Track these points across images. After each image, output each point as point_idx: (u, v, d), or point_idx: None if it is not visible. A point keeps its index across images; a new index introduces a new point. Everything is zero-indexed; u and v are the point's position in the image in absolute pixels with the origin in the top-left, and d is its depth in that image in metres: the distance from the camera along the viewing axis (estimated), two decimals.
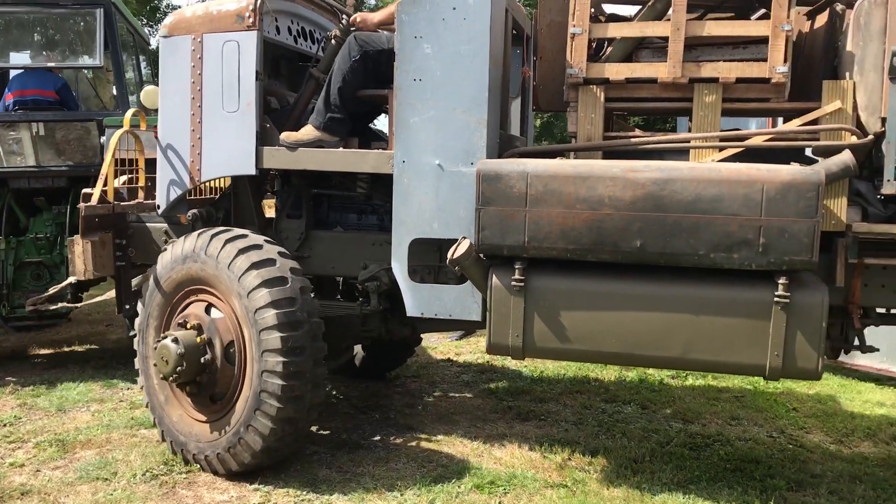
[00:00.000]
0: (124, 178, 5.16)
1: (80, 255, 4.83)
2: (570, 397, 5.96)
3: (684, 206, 3.45)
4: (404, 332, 4.93)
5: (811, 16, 4.48)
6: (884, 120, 3.69)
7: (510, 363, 6.85)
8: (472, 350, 7.42)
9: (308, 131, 4.36)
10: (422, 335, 6.18)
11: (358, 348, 6.19)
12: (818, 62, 4.26)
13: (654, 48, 4.09)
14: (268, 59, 5.12)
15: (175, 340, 4.03)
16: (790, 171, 3.41)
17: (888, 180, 3.67)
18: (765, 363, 3.51)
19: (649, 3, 4.05)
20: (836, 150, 3.74)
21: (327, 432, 5.01)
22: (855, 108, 3.80)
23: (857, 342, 4.14)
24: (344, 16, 4.93)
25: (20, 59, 7.53)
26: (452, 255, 3.77)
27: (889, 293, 3.93)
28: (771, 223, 3.38)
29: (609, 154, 4.06)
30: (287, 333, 3.94)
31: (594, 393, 6.08)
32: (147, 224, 5.05)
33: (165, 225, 4.99)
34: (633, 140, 4.03)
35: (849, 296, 3.93)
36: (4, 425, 5.09)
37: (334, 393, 5.89)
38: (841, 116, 3.80)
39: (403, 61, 4.02)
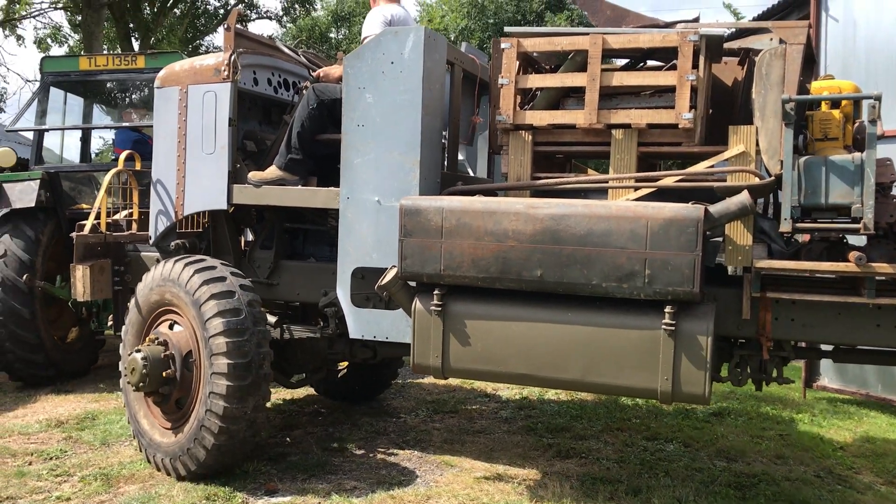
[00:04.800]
0: (125, 212, 5.76)
1: (81, 279, 5.42)
2: (611, 434, 5.97)
3: (578, 239, 3.77)
4: (367, 353, 5.31)
5: (741, 64, 4.78)
6: (782, 163, 3.95)
7: (547, 399, 6.96)
8: (510, 385, 7.36)
9: (272, 171, 4.87)
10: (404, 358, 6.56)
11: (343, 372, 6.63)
12: (739, 108, 4.55)
13: (580, 96, 4.46)
14: (257, 107, 5.70)
15: (141, 353, 4.53)
16: (672, 208, 3.70)
17: (785, 219, 3.91)
18: (656, 387, 3.76)
19: (570, 56, 4.42)
20: (739, 191, 4.01)
21: (367, 468, 5.15)
22: (758, 151, 4.07)
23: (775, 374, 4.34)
24: (312, 70, 5.45)
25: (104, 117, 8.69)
26: (381, 282, 4.17)
27: (798, 326, 4.12)
28: (655, 256, 3.67)
29: (538, 193, 4.42)
30: (232, 339, 4.42)
31: (635, 430, 6.10)
32: (141, 253, 5.61)
33: (157, 254, 5.54)
34: (557, 181, 4.38)
35: (759, 329, 4.15)
36: (51, 458, 5.32)
37: (373, 428, 6.07)
38: (744, 159, 4.07)
39: (349, 109, 4.50)
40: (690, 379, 3.71)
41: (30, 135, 8.44)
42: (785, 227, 3.90)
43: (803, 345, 4.45)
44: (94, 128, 9.19)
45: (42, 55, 7.96)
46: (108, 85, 8.62)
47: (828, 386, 7.52)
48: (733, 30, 4.62)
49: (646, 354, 3.76)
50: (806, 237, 4.23)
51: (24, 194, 7.21)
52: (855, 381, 7.24)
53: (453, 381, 7.35)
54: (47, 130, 8.11)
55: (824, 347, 4.69)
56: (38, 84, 8.26)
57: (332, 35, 25.24)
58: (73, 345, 7.78)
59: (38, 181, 7.26)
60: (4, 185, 7.30)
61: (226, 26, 5.00)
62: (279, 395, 6.83)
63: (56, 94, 8.19)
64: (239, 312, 4.50)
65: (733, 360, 4.37)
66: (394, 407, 6.72)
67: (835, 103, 4.09)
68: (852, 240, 4.15)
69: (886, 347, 4.24)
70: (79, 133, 8.78)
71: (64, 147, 9.47)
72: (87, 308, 7.00)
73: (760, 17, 11.49)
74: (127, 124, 8.20)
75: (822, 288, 4.15)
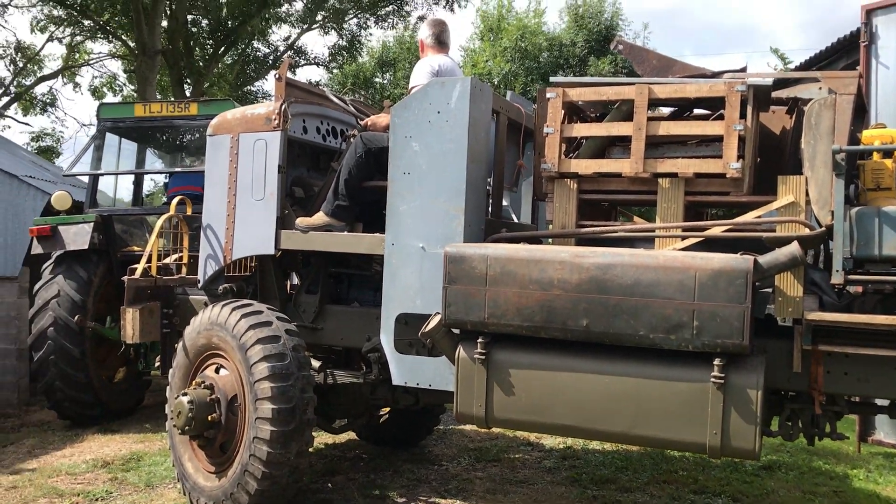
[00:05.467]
0: (175, 255, 5.88)
1: (130, 321, 5.53)
2: (657, 487, 5.84)
3: (625, 289, 3.74)
4: (409, 400, 5.29)
5: (789, 113, 4.74)
6: (833, 213, 3.89)
7: (592, 449, 6.86)
8: (555, 437, 7.28)
9: (319, 217, 4.94)
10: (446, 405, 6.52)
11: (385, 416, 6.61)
12: (788, 157, 4.51)
13: (625, 145, 4.46)
14: (306, 154, 5.81)
15: (187, 397, 4.58)
16: (721, 258, 3.66)
17: (836, 271, 3.83)
18: (705, 441, 3.68)
19: (616, 105, 4.44)
20: (788, 242, 3.95)
21: None
22: (808, 201, 4.01)
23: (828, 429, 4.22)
24: (360, 119, 5.55)
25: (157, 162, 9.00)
26: (425, 329, 4.18)
27: (853, 381, 4.01)
28: (704, 307, 3.62)
29: (584, 241, 4.41)
30: (277, 384, 4.46)
31: (682, 483, 5.95)
32: (190, 296, 5.71)
33: (205, 297, 5.63)
34: (602, 229, 4.37)
35: (810, 383, 4.05)
36: (97, 499, 5.40)
37: (415, 475, 6.04)
38: (793, 209, 4.02)
39: (395, 157, 4.56)
40: (740, 433, 3.63)
41: (85, 178, 8.72)
42: (836, 278, 3.83)
43: (859, 399, 4.32)
44: (147, 172, 9.50)
45: (99, 102, 8.32)
46: (162, 131, 8.91)
47: (884, 440, 7.25)
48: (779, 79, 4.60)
49: (694, 407, 3.69)
50: (859, 289, 4.14)
51: (78, 237, 7.42)
52: None
53: (496, 429, 7.26)
54: (102, 175, 8.35)
55: (880, 402, 4.54)
56: (93, 129, 8.55)
57: (377, 80, 25.70)
58: (120, 385, 7.92)
59: (92, 224, 7.47)
60: (60, 227, 7.53)
61: (277, 76, 5.13)
62: (321, 439, 6.83)
63: (111, 139, 8.48)
64: (284, 357, 4.54)
65: (784, 414, 4.26)
66: (435, 454, 6.66)
67: (887, 153, 4.03)
68: None
69: None
70: (132, 177, 9.06)
71: (117, 190, 9.81)
72: (135, 349, 7.13)
73: (808, 63, 11.40)
74: (179, 169, 8.43)
75: (877, 341, 4.03)
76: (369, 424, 6.56)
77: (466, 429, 7.47)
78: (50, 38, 21.91)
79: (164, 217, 5.44)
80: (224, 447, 4.74)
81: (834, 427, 4.22)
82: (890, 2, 6.71)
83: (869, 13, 6.78)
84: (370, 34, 22.70)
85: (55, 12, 19.66)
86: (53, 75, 22.96)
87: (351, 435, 6.95)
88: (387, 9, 21.59)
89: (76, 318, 7.18)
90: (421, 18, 22.27)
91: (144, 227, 7.98)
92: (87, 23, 19.80)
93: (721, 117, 4.18)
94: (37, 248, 7.64)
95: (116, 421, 7.74)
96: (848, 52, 10.00)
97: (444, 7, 21.94)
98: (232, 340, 4.65)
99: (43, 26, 20.76)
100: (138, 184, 9.36)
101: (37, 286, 7.55)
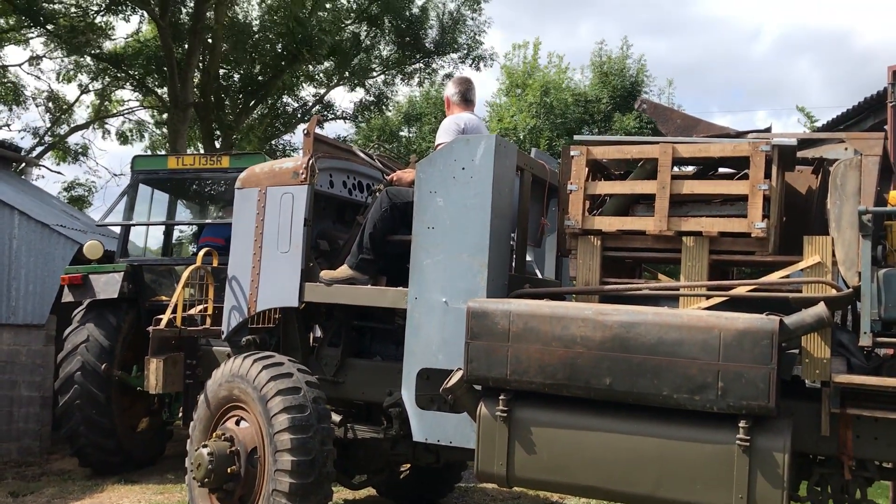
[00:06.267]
0: (200, 307, 5.93)
1: (154, 371, 5.56)
2: None
3: (648, 348, 3.71)
4: (429, 457, 5.24)
5: (815, 173, 4.74)
6: (860, 274, 3.85)
7: None
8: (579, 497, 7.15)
9: (343, 270, 4.98)
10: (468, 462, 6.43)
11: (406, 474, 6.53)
12: (814, 217, 4.49)
13: (649, 203, 4.47)
14: (332, 208, 5.88)
15: (207, 449, 4.57)
16: (746, 318, 3.62)
17: (864, 332, 3.78)
18: None
19: (640, 164, 4.47)
20: (815, 302, 3.91)
21: None
22: (835, 262, 3.98)
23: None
24: (386, 174, 5.62)
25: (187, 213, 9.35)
26: (446, 384, 4.16)
27: (883, 446, 3.92)
28: (728, 368, 3.57)
29: (608, 298, 4.39)
30: (297, 436, 4.45)
31: None
32: (213, 347, 5.74)
33: (228, 349, 5.65)
34: (626, 287, 4.35)
35: (839, 447, 3.96)
36: None
37: None
38: (820, 270, 3.98)
39: (420, 212, 4.60)
40: (766, 498, 3.55)
41: (117, 228, 8.92)
42: (865, 340, 3.77)
43: (890, 465, 4.20)
44: (178, 224, 9.71)
45: (134, 154, 8.63)
46: (194, 183, 9.10)
47: None
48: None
49: (719, 470, 3.62)
50: (889, 351, 4.07)
51: (108, 285, 7.56)
52: None
53: (517, 488, 7.15)
54: (134, 225, 8.52)
55: None
56: (123, 179, 8.78)
57: (402, 134, 26.06)
58: (144, 434, 7.93)
59: (122, 273, 7.60)
60: (91, 276, 7.66)
61: (305, 132, 5.23)
62: (340, 495, 6.75)
63: (144, 190, 8.67)
64: (304, 409, 4.53)
65: (813, 479, 4.16)
66: None
67: None
68: None
69: None
70: (163, 227, 9.24)
71: (147, 240, 9.99)
72: (160, 399, 7.17)
73: (835, 122, 11.43)
74: (210, 221, 8.57)
75: None
76: (389, 481, 6.49)
77: (488, 487, 7.34)
78: (83, 90, 22.51)
79: (190, 268, 5.52)
80: (243, 500, 4.71)
81: (864, 494, 4.10)
82: None
83: (895, 73, 6.82)
84: (396, 90, 23.09)
85: (85, 60, 20.21)
86: (86, 125, 23.57)
87: (371, 491, 6.87)
88: (414, 66, 21.98)
89: (104, 365, 7.26)
90: (448, 76, 22.68)
91: (173, 277, 8.08)
92: (120, 75, 20.37)
93: (746, 177, 4.19)
94: (68, 297, 7.77)
95: (137, 471, 7.73)
96: (875, 112, 10.02)
97: (471, 66, 22.31)
98: (252, 392, 4.65)
99: (71, 76, 21.35)
100: (168, 234, 9.53)
101: (67, 331, 7.67)
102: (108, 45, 19.89)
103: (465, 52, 21.78)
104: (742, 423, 3.57)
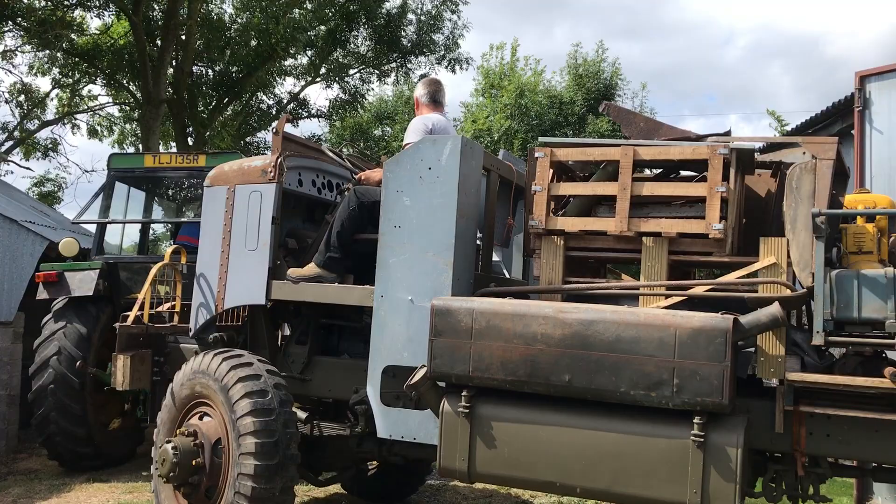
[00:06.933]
0: (168, 304, 5.94)
1: (121, 368, 5.56)
2: None
3: (607, 345, 3.79)
4: (396, 453, 5.27)
5: (774, 176, 4.85)
6: (814, 275, 3.96)
7: None
8: (549, 494, 7.15)
9: (310, 268, 5.01)
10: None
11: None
12: (772, 219, 4.60)
13: (611, 204, 4.55)
14: (302, 206, 5.91)
15: (171, 444, 4.59)
16: (701, 317, 3.72)
17: (817, 332, 3.89)
18: (685, 501, 3.69)
19: (602, 166, 4.55)
20: (770, 302, 4.01)
21: None
22: (790, 263, 4.09)
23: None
24: (355, 173, 5.66)
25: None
26: (410, 381, 4.22)
27: (835, 443, 4.03)
28: (684, 365, 3.67)
29: (572, 297, 4.47)
30: (259, 419, 4.53)
31: None
32: (181, 345, 5.74)
33: (196, 346, 5.66)
34: (587, 286, 4.43)
35: (793, 443, 4.07)
36: None
37: None
38: (775, 271, 4.09)
39: (387, 211, 4.65)
40: (720, 493, 3.64)
41: (90, 226, 8.93)
42: (817, 340, 3.88)
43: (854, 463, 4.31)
44: (153, 222, 9.72)
45: (109, 153, 8.69)
46: (171, 181, 9.11)
47: None
48: (764, 144, 4.72)
49: (675, 466, 3.71)
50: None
51: (83, 283, 7.57)
52: None
53: (490, 486, 7.21)
54: (110, 223, 8.53)
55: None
56: (93, 174, 8.78)
57: (376, 132, 26.08)
58: (117, 432, 7.89)
59: (98, 271, 7.61)
60: (66, 273, 7.66)
61: (274, 130, 5.26)
62: (309, 493, 6.79)
63: (120, 188, 8.71)
64: (265, 393, 4.62)
65: (768, 475, 4.26)
66: None
67: (870, 217, 4.12)
68: (892, 354, 4.09)
69: None
70: (139, 225, 9.25)
71: (124, 238, 9.98)
72: (134, 396, 7.15)
73: (804, 126, 11.60)
74: (185, 220, 8.58)
75: (858, 403, 4.07)
76: (357, 478, 6.53)
77: (460, 486, 7.39)
78: (55, 84, 22.24)
79: (157, 265, 5.53)
80: (209, 492, 4.73)
81: (817, 489, 4.22)
82: (883, 69, 6.89)
83: (863, 79, 6.95)
84: (372, 88, 23.14)
85: (56, 55, 20.02)
86: (56, 120, 23.31)
87: (339, 489, 6.90)
88: (391, 65, 22.01)
89: (78, 363, 7.24)
90: (423, 76, 22.73)
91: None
92: (91, 70, 20.18)
93: (704, 179, 4.29)
94: (43, 294, 7.77)
95: (107, 470, 7.68)
96: (843, 117, 10.19)
97: (447, 68, 22.39)
98: (214, 384, 4.71)
99: (46, 69, 21.13)
100: (144, 232, 9.55)
101: (44, 321, 7.67)
102: (79, 41, 19.69)
103: (442, 53, 21.85)
104: (697, 420, 3.66)
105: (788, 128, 17.01)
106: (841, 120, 10.38)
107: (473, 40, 69.48)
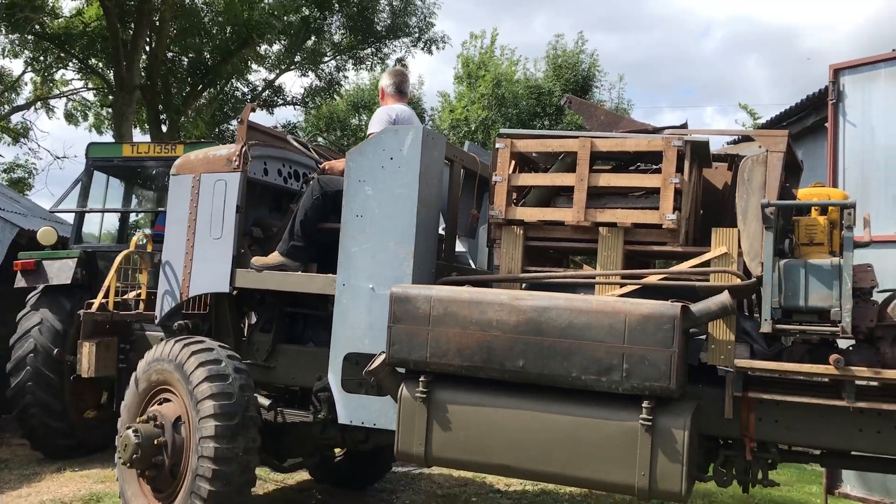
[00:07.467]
0: (135, 292, 5.96)
1: (87, 355, 5.59)
2: None
3: (559, 331, 3.88)
4: (358, 440, 5.35)
5: (730, 169, 4.96)
6: (763, 265, 4.07)
7: (562, 493, 6.83)
8: (523, 482, 7.22)
9: (274, 257, 5.06)
10: None
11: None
12: (729, 211, 4.70)
13: (570, 195, 4.64)
14: (268, 196, 5.95)
15: (132, 429, 4.64)
16: (650, 304, 3.82)
17: (765, 320, 4.00)
18: (634, 483, 3.80)
19: (561, 157, 4.63)
20: (720, 291, 4.12)
21: None
22: (741, 253, 4.19)
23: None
24: (320, 162, 5.71)
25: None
26: (369, 367, 4.29)
27: (783, 429, 4.15)
28: (633, 351, 3.76)
29: (535, 287, 4.54)
30: (216, 383, 4.64)
31: None
32: (147, 332, 5.77)
33: (162, 333, 5.69)
34: (544, 275, 4.52)
35: (742, 429, 4.19)
36: None
37: None
38: (726, 260, 4.20)
39: (349, 200, 4.71)
40: (667, 475, 3.75)
41: (63, 214, 8.97)
42: (765, 327, 3.98)
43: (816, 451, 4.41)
44: (131, 211, 9.78)
45: (87, 142, 8.79)
46: (149, 171, 9.14)
47: (850, 493, 7.18)
48: (735, 138, 4.82)
49: (624, 449, 3.81)
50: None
51: (61, 271, 7.60)
52: (879, 490, 6.92)
53: (464, 475, 7.29)
54: (87, 212, 8.59)
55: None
56: (65, 161, 8.80)
57: (353, 122, 26.04)
58: (94, 420, 7.90)
59: (76, 260, 7.64)
60: (44, 261, 7.70)
61: (239, 120, 5.29)
62: (284, 481, 6.82)
63: (98, 177, 8.76)
64: (219, 361, 4.76)
65: (719, 460, 4.38)
66: (404, 501, 6.64)
67: (823, 210, 4.23)
68: (844, 343, 4.20)
69: (870, 453, 4.25)
70: (118, 214, 9.30)
71: (102, 227, 10.00)
72: (110, 387, 7.18)
73: (778, 119, 11.76)
74: (162, 209, 8.59)
75: (807, 390, 4.20)
76: (323, 465, 6.60)
77: (435, 475, 7.47)
78: (27, 68, 22.00)
79: (122, 253, 5.55)
80: (174, 472, 4.77)
81: (766, 474, 4.33)
82: (857, 62, 6.98)
83: (837, 72, 7.02)
84: (346, 76, 23.07)
85: (27, 38, 19.81)
86: (27, 105, 23.04)
87: (307, 476, 6.96)
88: (365, 51, 21.96)
89: (56, 350, 7.26)
90: (399, 60, 22.68)
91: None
92: (63, 55, 19.97)
93: (660, 171, 4.38)
94: (20, 282, 7.78)
95: (79, 459, 7.66)
96: (817, 110, 10.33)
97: (423, 50, 22.36)
98: (169, 365, 4.82)
99: (18, 51, 20.86)
100: (123, 221, 9.58)
101: (19, 315, 7.68)
102: (51, 24, 19.46)
103: (417, 35, 21.81)
104: (645, 404, 3.76)
105: (761, 121, 17.22)
106: (815, 113, 10.53)
107: (452, 31, 69.41)
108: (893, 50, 7.28)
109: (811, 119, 10.75)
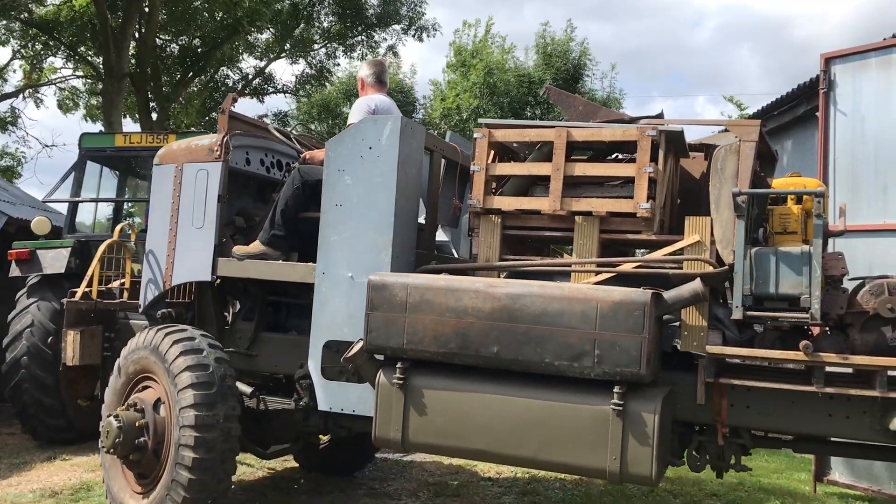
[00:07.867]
0: (119, 281, 6.00)
1: (71, 343, 5.63)
2: None
3: (533, 318, 3.95)
4: (341, 427, 5.41)
5: (706, 158, 5.01)
6: (734, 252, 4.14)
7: (553, 481, 6.89)
8: (513, 469, 7.26)
9: (255, 246, 5.11)
10: None
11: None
12: (705, 200, 4.76)
13: (547, 184, 4.69)
14: (251, 186, 5.99)
15: (115, 415, 4.71)
16: (622, 291, 3.88)
17: (737, 307, 4.07)
18: (605, 467, 3.87)
19: (538, 146, 4.68)
20: (693, 278, 4.18)
21: None
22: (713, 241, 4.26)
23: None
24: (301, 152, 5.74)
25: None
26: (348, 354, 4.35)
27: (754, 414, 4.23)
28: (604, 337, 3.83)
29: (513, 275, 4.60)
30: (191, 356, 4.74)
31: None
32: (131, 321, 5.82)
33: (146, 322, 5.74)
34: (520, 263, 4.58)
35: (714, 415, 4.26)
36: None
37: None
38: (699, 248, 4.26)
39: (329, 189, 4.76)
40: (638, 459, 3.82)
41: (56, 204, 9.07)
42: (736, 314, 4.05)
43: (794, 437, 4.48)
44: (124, 201, 9.87)
45: (81, 133, 8.82)
46: (142, 160, 9.19)
47: (838, 481, 7.26)
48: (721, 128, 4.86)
49: (596, 434, 3.88)
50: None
51: (55, 260, 7.69)
52: (866, 477, 6.99)
53: (455, 462, 7.35)
54: (80, 202, 8.69)
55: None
56: (54, 149, 8.86)
57: (345, 110, 26.02)
58: (89, 408, 7.96)
59: (70, 249, 7.71)
60: (38, 251, 7.77)
61: (220, 110, 5.32)
62: (270, 466, 6.88)
63: (92, 167, 8.84)
64: (193, 338, 4.88)
65: (692, 445, 4.45)
66: (395, 489, 6.67)
67: (798, 199, 4.29)
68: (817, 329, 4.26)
69: (840, 438, 4.33)
70: (112, 204, 9.41)
71: (97, 216, 10.08)
72: (103, 377, 7.22)
73: (769, 108, 11.79)
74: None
75: (779, 376, 4.27)
76: (307, 452, 6.67)
77: (426, 463, 7.51)
78: (14, 55, 21.89)
79: (106, 242, 5.59)
80: (157, 453, 4.83)
81: (739, 459, 4.40)
82: (847, 51, 7.01)
83: (828, 61, 7.06)
84: (338, 64, 23.04)
85: (14, 25, 19.72)
86: (15, 93, 22.95)
87: (293, 463, 7.03)
88: (356, 39, 21.92)
89: (50, 338, 7.33)
90: (391, 48, 22.64)
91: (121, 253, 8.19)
92: (51, 42, 19.88)
93: (634, 160, 4.43)
94: (15, 271, 7.86)
95: (69, 448, 7.67)
96: (808, 99, 10.36)
97: (414, 37, 22.32)
98: (152, 354, 4.88)
99: (4, 39, 20.77)
100: (117, 211, 9.63)
101: (11, 316, 7.76)
102: (39, 11, 19.36)
103: (408, 23, 21.76)
104: (617, 389, 3.83)
105: (750, 111, 17.28)
106: (806, 102, 10.57)
107: (444, 19, 69.16)
108: (884, 39, 7.31)
109: (802, 108, 10.79)
